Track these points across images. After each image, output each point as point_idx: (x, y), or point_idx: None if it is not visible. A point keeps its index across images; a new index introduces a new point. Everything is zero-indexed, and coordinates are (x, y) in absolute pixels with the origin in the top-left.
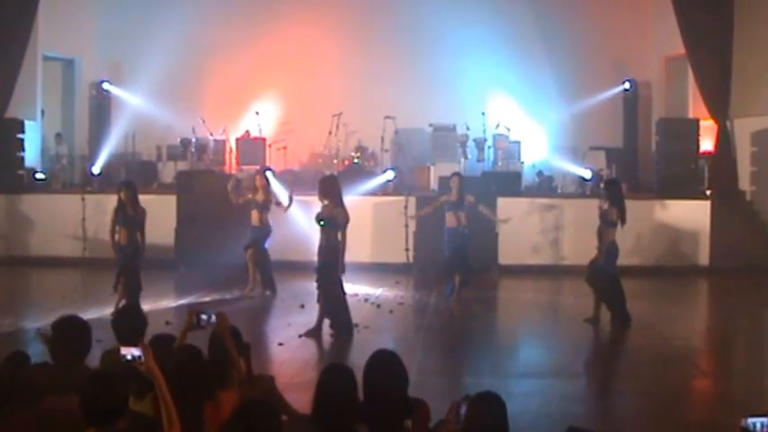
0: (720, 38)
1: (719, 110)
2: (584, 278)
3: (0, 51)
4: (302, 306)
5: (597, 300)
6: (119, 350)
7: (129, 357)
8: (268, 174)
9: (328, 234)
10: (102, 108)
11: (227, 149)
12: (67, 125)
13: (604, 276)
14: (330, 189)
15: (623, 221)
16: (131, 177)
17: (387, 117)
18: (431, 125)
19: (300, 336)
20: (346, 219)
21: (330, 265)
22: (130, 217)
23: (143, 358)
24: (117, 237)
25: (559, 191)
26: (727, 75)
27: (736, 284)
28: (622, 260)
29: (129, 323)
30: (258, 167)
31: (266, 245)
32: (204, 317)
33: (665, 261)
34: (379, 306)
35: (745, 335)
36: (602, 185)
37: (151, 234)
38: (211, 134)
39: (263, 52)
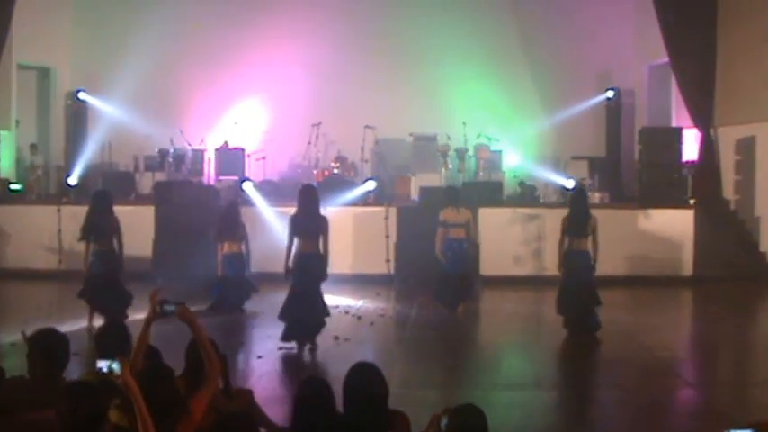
0: (704, 46)
1: (703, 118)
2: None
3: None
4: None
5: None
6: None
7: (105, 370)
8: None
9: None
10: (78, 118)
11: (206, 160)
12: (43, 135)
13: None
14: (302, 198)
15: (572, 229)
16: (108, 188)
17: (367, 127)
18: (411, 135)
19: (280, 348)
20: (290, 224)
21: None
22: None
23: (119, 371)
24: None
25: (542, 200)
26: (711, 83)
27: (719, 293)
28: (605, 270)
29: (112, 339)
30: (236, 178)
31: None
32: (168, 307)
33: (647, 270)
34: (359, 318)
35: (730, 344)
36: None
37: (128, 246)
38: (189, 144)
39: (241, 62)
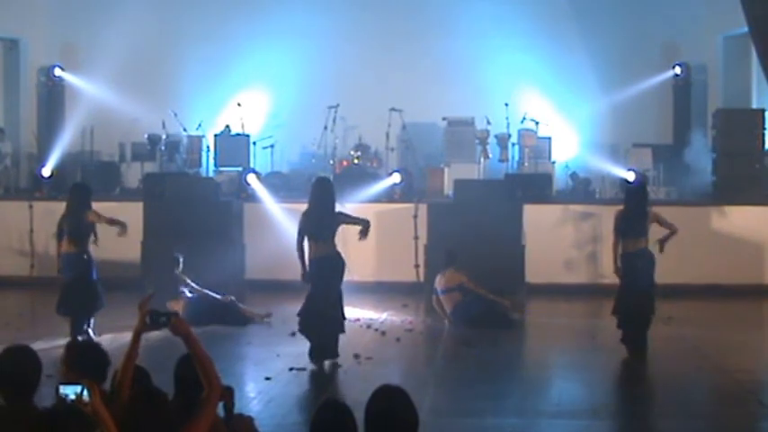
0: None
1: None
2: None
3: None
4: (293, 334)
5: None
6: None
7: (71, 397)
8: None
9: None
10: (53, 98)
11: (204, 148)
12: (11, 118)
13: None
14: (314, 193)
15: (626, 228)
16: (88, 181)
17: (392, 109)
18: (445, 119)
19: (291, 369)
20: (300, 221)
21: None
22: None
23: (88, 397)
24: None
25: (597, 196)
26: None
27: None
28: (672, 278)
29: (84, 359)
30: (239, 170)
31: None
32: (159, 317)
33: (723, 279)
34: (383, 333)
35: None
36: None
37: (113, 249)
38: (185, 130)
39: (245, 33)
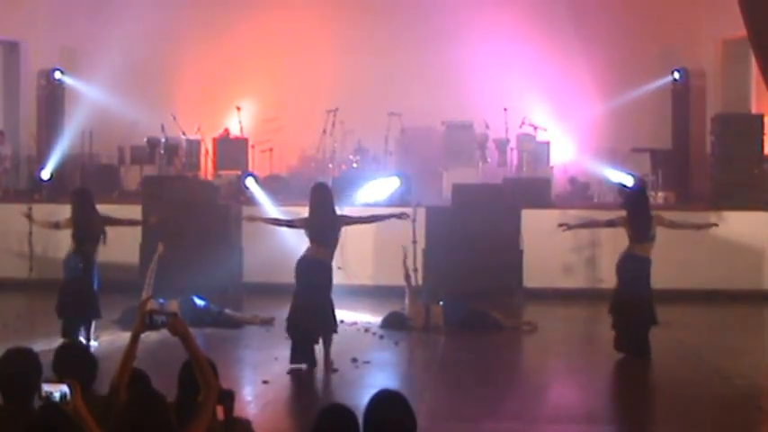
0: None
1: None
2: None
3: None
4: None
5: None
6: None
7: (56, 395)
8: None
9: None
10: (53, 101)
11: (203, 151)
12: (11, 121)
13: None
14: (313, 199)
15: (633, 232)
16: (87, 184)
17: (391, 114)
18: (443, 123)
19: (288, 372)
20: (303, 223)
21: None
22: None
23: (70, 396)
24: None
25: (596, 200)
26: None
27: None
28: (670, 283)
29: (73, 361)
30: (238, 173)
31: None
32: (158, 317)
33: (721, 284)
34: (381, 337)
35: None
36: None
37: (112, 252)
38: (184, 133)
39: (244, 37)
